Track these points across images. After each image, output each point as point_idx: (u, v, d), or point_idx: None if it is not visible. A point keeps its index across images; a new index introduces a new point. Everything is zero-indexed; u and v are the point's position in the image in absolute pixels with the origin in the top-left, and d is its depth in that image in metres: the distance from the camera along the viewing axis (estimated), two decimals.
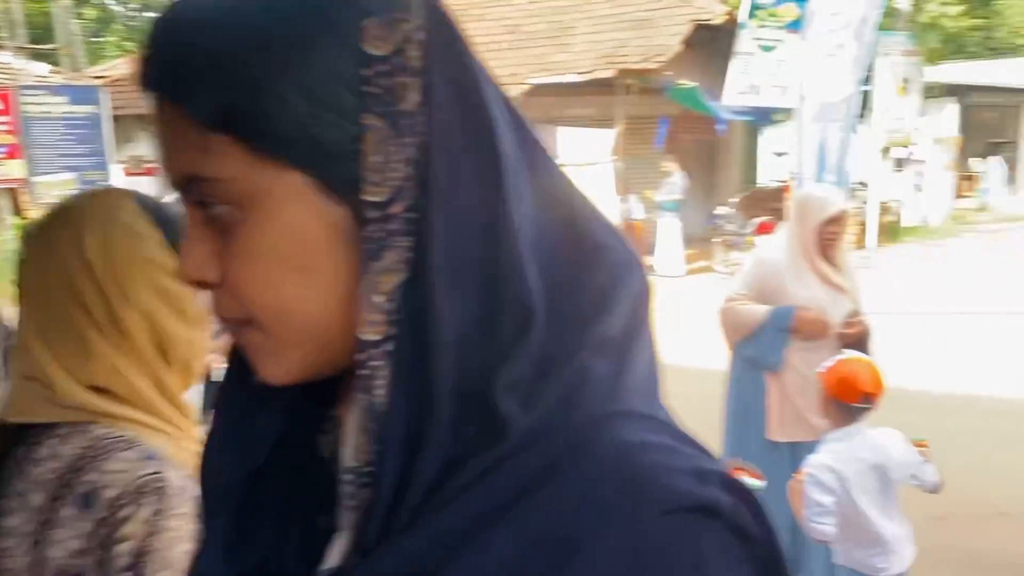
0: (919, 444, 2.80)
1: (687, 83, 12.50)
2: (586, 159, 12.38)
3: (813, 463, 2.76)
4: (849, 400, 2.73)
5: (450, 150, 0.50)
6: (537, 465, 0.49)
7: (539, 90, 12.90)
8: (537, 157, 0.55)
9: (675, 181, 12.67)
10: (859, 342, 3.26)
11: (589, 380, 0.52)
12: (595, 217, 0.57)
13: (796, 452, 3.28)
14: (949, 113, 19.33)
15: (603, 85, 12.53)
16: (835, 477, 2.68)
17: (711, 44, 14.08)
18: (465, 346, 0.49)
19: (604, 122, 12.44)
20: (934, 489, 2.77)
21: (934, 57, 17.05)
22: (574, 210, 0.56)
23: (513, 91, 13.02)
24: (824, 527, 2.66)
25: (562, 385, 0.51)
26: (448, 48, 0.51)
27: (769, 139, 16.84)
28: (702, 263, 13.35)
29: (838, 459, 2.71)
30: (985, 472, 3.24)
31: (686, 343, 8.19)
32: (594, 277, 0.54)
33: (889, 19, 15.10)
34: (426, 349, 0.49)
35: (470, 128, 0.51)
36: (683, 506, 0.48)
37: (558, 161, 0.57)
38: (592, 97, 12.98)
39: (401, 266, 0.49)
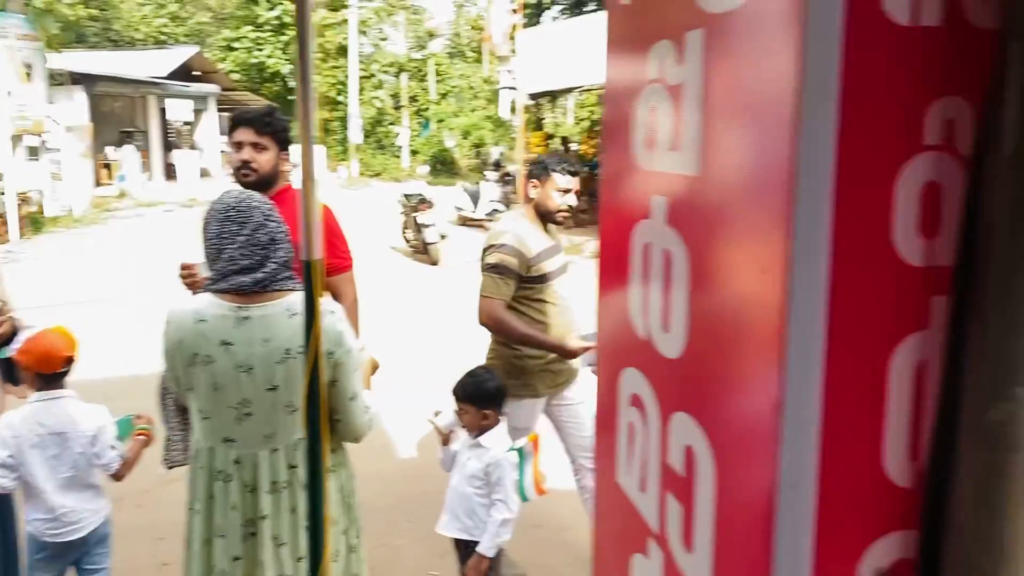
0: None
1: None
2: None
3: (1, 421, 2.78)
4: (55, 368, 2.81)
5: None
6: None
7: None
8: None
9: None
10: (6, 339, 3.19)
11: None
12: None
13: None
14: (79, 101, 19.47)
15: None
16: (12, 434, 2.74)
17: None
18: None
19: None
20: (113, 474, 2.87)
21: (55, 44, 16.86)
22: None
23: None
24: (1, 480, 2.72)
25: None
26: None
27: None
28: None
29: (23, 419, 2.77)
30: None
31: None
32: None
33: (3, 0, 14.40)
34: None
35: None
36: None
37: None
38: None
39: None
